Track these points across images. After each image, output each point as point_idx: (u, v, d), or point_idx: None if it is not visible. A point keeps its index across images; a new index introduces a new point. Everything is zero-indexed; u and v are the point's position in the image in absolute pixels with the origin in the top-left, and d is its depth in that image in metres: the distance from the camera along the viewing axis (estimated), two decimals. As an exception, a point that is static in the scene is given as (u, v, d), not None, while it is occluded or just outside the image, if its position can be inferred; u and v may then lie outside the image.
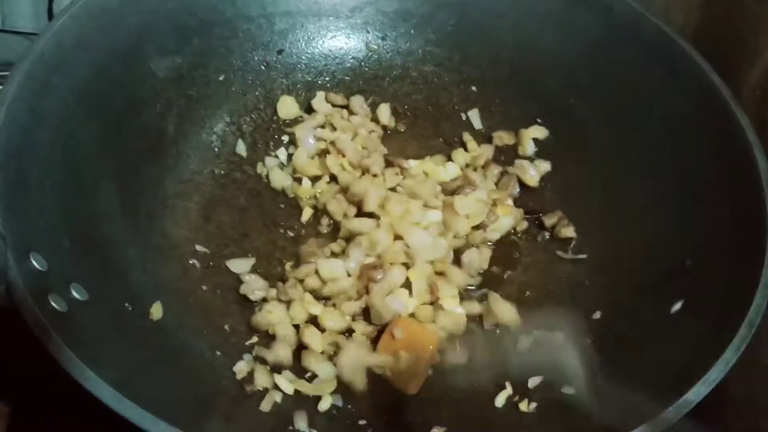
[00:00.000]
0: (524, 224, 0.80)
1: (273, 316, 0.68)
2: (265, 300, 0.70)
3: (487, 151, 0.85)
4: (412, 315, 0.69)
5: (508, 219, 0.79)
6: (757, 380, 0.79)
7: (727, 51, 0.79)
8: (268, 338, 0.69)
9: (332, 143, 0.83)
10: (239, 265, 0.73)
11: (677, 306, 0.65)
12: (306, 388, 0.65)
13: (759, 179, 0.65)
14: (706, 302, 0.63)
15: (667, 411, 0.51)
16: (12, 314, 0.50)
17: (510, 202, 0.81)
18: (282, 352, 0.66)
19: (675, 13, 0.86)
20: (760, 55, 0.77)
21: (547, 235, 0.80)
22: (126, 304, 0.63)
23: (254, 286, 0.71)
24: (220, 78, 0.84)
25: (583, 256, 0.77)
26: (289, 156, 0.84)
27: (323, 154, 0.83)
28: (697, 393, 0.52)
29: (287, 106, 0.86)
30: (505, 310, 0.71)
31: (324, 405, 0.64)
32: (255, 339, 0.69)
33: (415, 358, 0.64)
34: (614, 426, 0.52)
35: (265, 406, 0.62)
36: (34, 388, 0.65)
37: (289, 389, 0.65)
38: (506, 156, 0.87)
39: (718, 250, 0.66)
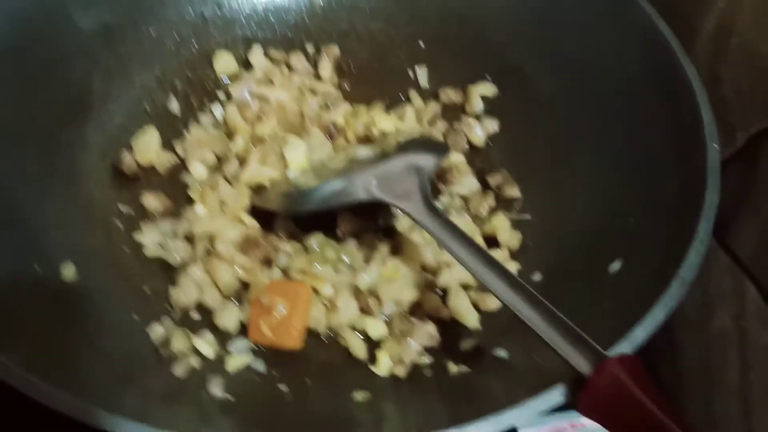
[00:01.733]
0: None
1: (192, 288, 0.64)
2: (186, 265, 0.66)
3: (433, 108, 0.82)
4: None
5: (469, 177, 0.76)
6: (712, 350, 0.78)
7: (679, 1, 0.75)
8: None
9: (269, 100, 0.79)
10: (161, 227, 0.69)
11: (616, 266, 0.62)
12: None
13: (702, 133, 0.62)
14: (644, 261, 0.60)
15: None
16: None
17: (462, 158, 0.78)
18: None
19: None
20: (713, 4, 0.73)
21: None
22: (35, 266, 0.59)
23: (175, 249, 0.67)
24: (152, 33, 0.79)
25: (527, 216, 0.74)
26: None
27: (260, 112, 0.79)
28: (618, 351, 0.49)
29: (224, 62, 0.82)
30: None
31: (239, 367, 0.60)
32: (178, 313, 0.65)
33: (288, 309, 0.61)
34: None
35: (180, 371, 0.58)
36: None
37: (209, 353, 0.61)
38: (453, 114, 0.83)
39: (660, 208, 0.63)
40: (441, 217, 0.59)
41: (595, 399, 0.45)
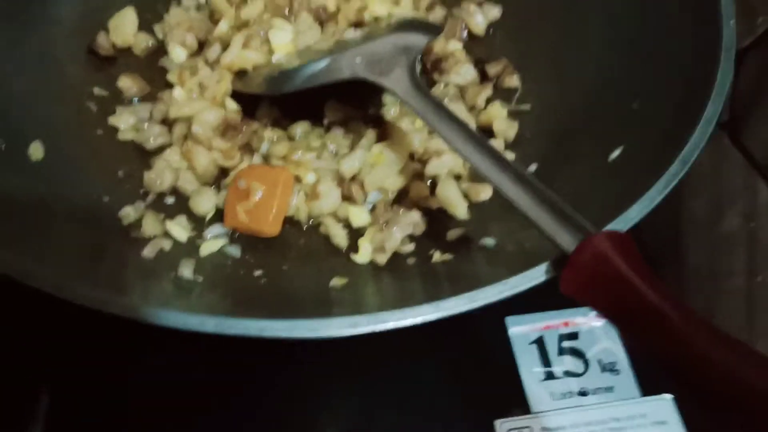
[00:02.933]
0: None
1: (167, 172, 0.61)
2: (162, 149, 0.63)
3: (433, -8, 0.76)
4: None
5: (467, 66, 0.71)
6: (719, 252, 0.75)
7: None
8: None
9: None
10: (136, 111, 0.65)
11: (616, 153, 0.58)
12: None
13: (719, 8, 0.56)
14: (646, 146, 0.56)
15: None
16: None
17: (459, 46, 0.73)
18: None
19: None
20: None
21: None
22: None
23: (151, 133, 0.64)
24: None
25: (527, 107, 0.69)
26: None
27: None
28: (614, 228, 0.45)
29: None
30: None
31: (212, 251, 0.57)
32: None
33: (265, 193, 0.58)
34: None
35: (149, 252, 0.56)
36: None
37: (182, 236, 0.58)
38: (453, 1, 0.77)
39: (668, 90, 0.58)
40: (426, 94, 0.55)
41: (578, 275, 0.41)
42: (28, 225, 0.52)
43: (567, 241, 0.43)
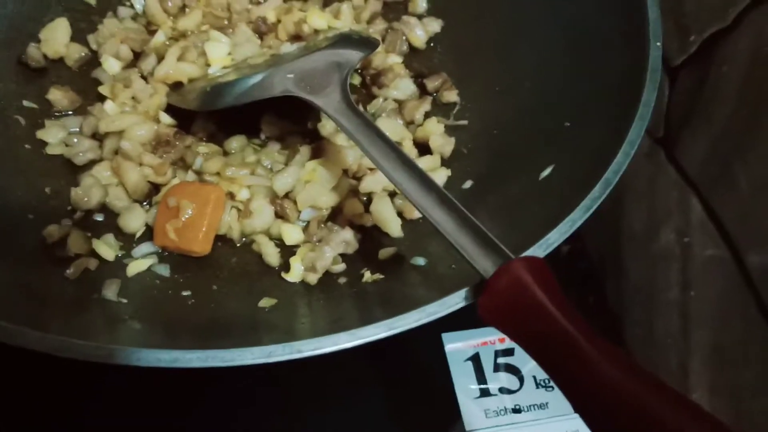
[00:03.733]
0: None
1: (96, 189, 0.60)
2: (92, 164, 0.62)
3: (373, 5, 0.76)
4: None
5: (406, 81, 0.70)
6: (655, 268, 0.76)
7: None
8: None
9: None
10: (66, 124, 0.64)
11: (547, 171, 0.58)
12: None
13: (646, 31, 0.57)
14: (575, 165, 0.56)
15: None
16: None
17: (399, 60, 0.73)
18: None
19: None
20: None
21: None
22: None
23: (81, 148, 0.62)
24: None
25: (464, 122, 0.69)
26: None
27: (183, 4, 0.73)
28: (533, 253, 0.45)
29: (145, -51, 0.75)
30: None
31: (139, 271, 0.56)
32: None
33: (195, 212, 0.57)
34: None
35: (73, 273, 0.54)
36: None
37: (109, 255, 0.57)
38: (395, 14, 0.77)
39: (598, 111, 0.59)
40: (356, 113, 0.55)
41: (495, 301, 0.41)
42: None
43: (486, 266, 0.43)
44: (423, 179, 0.49)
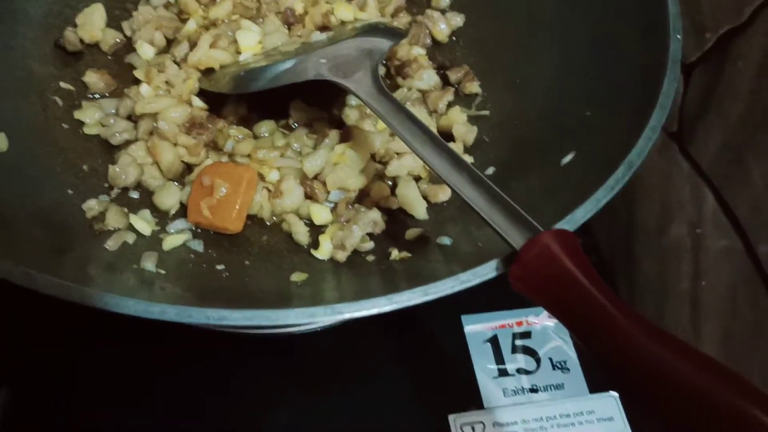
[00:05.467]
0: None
1: (132, 167, 0.62)
2: (127, 144, 0.64)
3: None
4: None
5: (430, 72, 0.73)
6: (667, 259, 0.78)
7: None
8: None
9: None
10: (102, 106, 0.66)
11: (568, 158, 0.60)
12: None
13: (667, 24, 0.59)
14: (596, 152, 0.58)
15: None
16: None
17: (422, 52, 0.75)
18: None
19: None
20: None
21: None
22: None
23: (117, 128, 0.64)
24: None
25: (486, 112, 0.71)
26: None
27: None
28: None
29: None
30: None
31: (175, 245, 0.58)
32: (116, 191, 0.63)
33: (229, 190, 0.59)
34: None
35: (112, 244, 0.56)
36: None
37: (146, 230, 0.59)
38: (418, 8, 0.80)
39: (618, 100, 0.61)
40: (388, 97, 0.57)
41: (525, 271, 0.43)
42: None
43: (516, 238, 0.45)
44: (454, 159, 0.51)
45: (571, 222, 0.48)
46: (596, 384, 0.66)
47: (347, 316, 0.43)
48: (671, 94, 0.55)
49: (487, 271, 0.45)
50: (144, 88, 0.67)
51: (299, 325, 0.55)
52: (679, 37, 0.59)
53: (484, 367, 0.67)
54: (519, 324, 0.69)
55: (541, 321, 0.70)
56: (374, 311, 0.43)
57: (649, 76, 0.58)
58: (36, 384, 0.62)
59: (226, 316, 0.41)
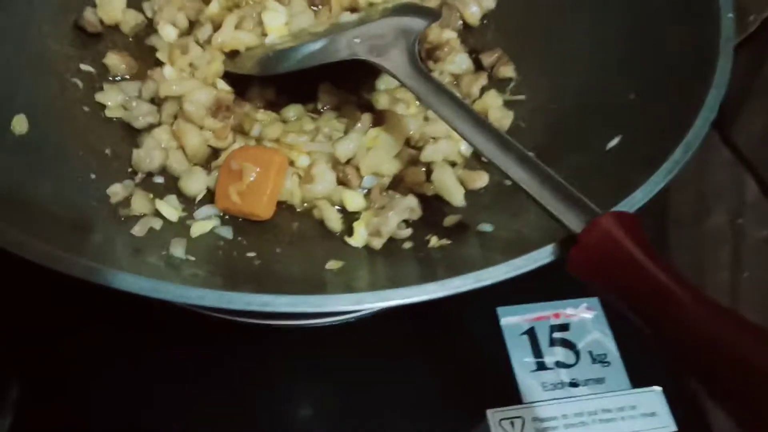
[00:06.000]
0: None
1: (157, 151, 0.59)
2: (151, 128, 0.61)
3: (428, -19, 0.75)
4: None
5: (462, 55, 0.70)
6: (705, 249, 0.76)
7: None
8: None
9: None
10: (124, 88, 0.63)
11: (614, 142, 0.57)
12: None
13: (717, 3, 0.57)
14: (645, 134, 0.56)
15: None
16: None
17: (454, 35, 0.72)
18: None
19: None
20: None
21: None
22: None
23: (140, 111, 0.62)
24: None
25: (522, 97, 0.69)
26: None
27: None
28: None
29: None
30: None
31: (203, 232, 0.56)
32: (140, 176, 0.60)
33: (259, 175, 0.57)
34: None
35: (139, 230, 0.54)
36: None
37: (173, 216, 0.57)
38: (447, -10, 0.77)
39: (665, 81, 0.58)
40: (427, 77, 0.54)
41: (586, 255, 0.41)
42: (14, 200, 0.50)
43: (574, 221, 0.43)
44: (501, 139, 0.49)
45: (630, 204, 0.45)
46: (638, 378, 0.63)
47: (395, 302, 0.40)
48: (727, 74, 0.53)
49: (544, 255, 0.43)
50: (167, 70, 0.64)
51: (342, 313, 0.53)
52: (730, 16, 0.56)
53: (521, 360, 0.64)
54: (556, 316, 0.67)
55: (579, 313, 0.67)
56: (424, 297, 0.41)
57: (700, 57, 0.56)
58: (50, 381, 0.59)
59: (270, 302, 0.39)
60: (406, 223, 0.58)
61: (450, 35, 0.71)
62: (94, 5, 0.68)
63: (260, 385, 0.60)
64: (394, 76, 0.56)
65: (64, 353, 0.59)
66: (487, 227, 0.57)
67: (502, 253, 0.48)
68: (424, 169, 0.63)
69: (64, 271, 0.40)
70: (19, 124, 0.56)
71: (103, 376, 0.58)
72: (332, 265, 0.55)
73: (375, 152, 0.60)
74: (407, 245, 0.57)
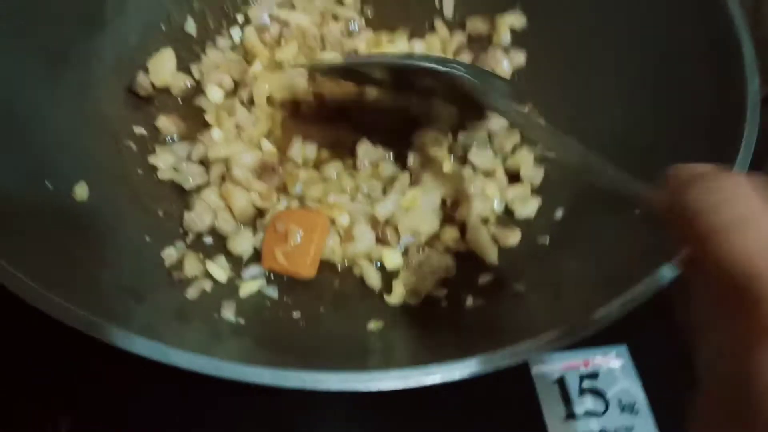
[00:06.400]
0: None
1: (206, 213, 0.63)
2: (200, 189, 0.65)
3: (459, 38, 0.78)
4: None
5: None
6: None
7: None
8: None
9: (289, 24, 0.76)
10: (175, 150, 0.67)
11: (642, 205, 0.59)
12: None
13: (743, 66, 0.59)
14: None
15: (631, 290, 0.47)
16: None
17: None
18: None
19: None
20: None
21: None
22: (47, 183, 0.58)
23: (190, 173, 0.66)
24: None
25: (552, 154, 0.71)
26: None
27: (279, 36, 0.76)
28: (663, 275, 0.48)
29: (246, -18, 0.79)
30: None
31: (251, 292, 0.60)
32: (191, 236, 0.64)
33: (303, 237, 0.61)
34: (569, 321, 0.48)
35: (192, 293, 0.57)
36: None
37: (222, 277, 0.60)
38: (479, 45, 0.80)
39: (692, 143, 0.60)
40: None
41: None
42: (75, 266, 0.54)
43: None
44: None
45: (653, 281, 0.48)
46: (667, 427, 0.65)
47: (439, 378, 0.43)
48: (753, 142, 0.55)
49: (583, 327, 0.45)
50: (215, 133, 0.68)
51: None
52: (756, 81, 0.58)
53: (552, 409, 0.66)
54: (586, 364, 0.69)
55: (607, 361, 0.70)
56: (467, 372, 0.43)
57: (726, 123, 0.57)
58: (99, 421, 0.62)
59: (322, 380, 0.42)
60: (443, 281, 0.61)
61: (483, 92, 0.74)
62: (146, 70, 0.72)
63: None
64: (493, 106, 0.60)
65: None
66: (521, 287, 0.59)
67: (539, 316, 0.51)
68: (458, 227, 0.66)
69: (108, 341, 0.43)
70: (81, 191, 0.60)
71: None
72: (373, 326, 0.58)
73: (413, 213, 0.63)
74: (444, 304, 0.60)
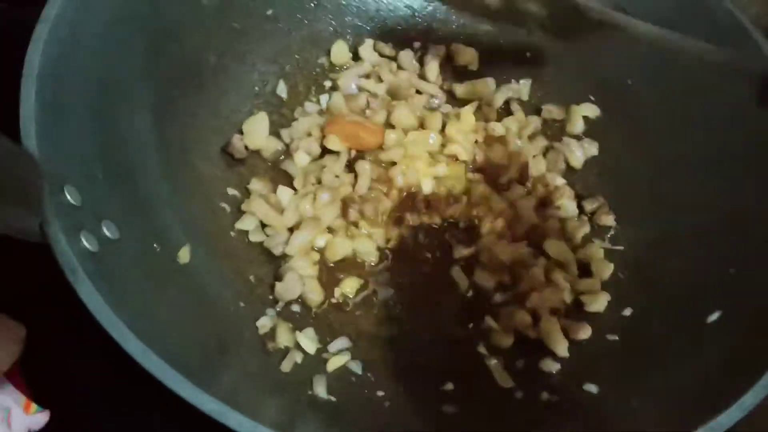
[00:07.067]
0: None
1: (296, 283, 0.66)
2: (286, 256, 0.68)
3: (535, 122, 0.82)
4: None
5: (571, 203, 0.77)
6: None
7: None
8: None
9: (378, 96, 0.79)
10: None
11: (714, 316, 0.62)
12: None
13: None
14: (746, 315, 0.60)
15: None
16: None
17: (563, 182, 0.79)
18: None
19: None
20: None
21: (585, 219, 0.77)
22: (155, 245, 0.60)
23: (277, 240, 0.69)
24: (268, 12, 0.80)
25: (620, 247, 0.75)
26: (330, 105, 0.80)
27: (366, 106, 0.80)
28: (730, 417, 0.50)
29: (340, 52, 0.83)
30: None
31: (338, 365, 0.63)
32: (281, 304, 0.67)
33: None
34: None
35: (286, 366, 0.60)
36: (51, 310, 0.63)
37: (310, 348, 0.63)
38: (552, 131, 0.84)
39: (764, 260, 0.63)
40: None
41: None
42: (172, 330, 0.55)
43: None
44: None
45: (741, 408, 0.50)
46: None
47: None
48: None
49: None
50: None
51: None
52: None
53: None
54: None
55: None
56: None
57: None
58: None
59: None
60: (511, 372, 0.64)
61: (560, 182, 0.78)
62: (241, 132, 0.75)
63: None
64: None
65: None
66: (592, 388, 0.62)
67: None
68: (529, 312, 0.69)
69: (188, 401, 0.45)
70: (184, 254, 0.63)
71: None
72: (449, 409, 0.61)
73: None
74: (518, 395, 0.63)
